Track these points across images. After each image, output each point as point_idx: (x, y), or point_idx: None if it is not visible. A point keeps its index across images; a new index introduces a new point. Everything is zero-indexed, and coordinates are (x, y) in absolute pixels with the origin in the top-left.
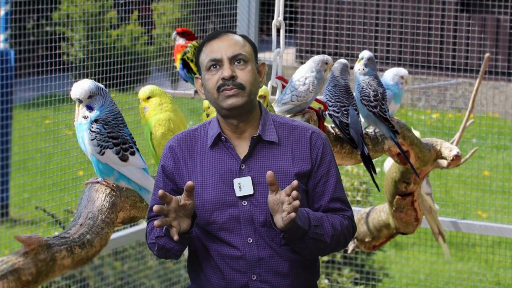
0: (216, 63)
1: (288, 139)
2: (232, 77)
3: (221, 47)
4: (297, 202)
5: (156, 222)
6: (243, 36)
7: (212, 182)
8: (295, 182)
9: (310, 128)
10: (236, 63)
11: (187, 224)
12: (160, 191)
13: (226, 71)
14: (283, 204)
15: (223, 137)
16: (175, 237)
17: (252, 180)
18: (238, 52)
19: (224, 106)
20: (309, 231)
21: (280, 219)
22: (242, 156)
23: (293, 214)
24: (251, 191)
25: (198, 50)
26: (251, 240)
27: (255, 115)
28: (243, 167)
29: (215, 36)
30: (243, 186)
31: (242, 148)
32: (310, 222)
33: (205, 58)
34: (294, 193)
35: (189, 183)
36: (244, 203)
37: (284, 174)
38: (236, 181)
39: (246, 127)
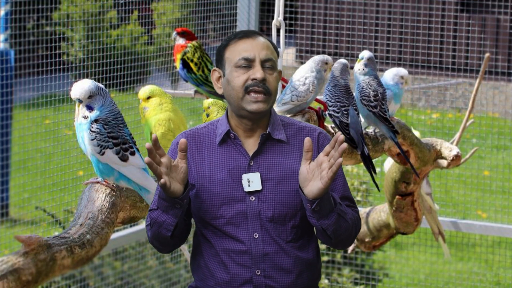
0: (248, 63)
1: (295, 139)
2: (263, 80)
3: (255, 48)
4: (341, 159)
5: (146, 159)
6: (271, 42)
7: (220, 177)
8: (341, 136)
9: (317, 129)
10: (266, 68)
11: (179, 188)
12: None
13: (259, 73)
14: (323, 164)
15: (232, 134)
16: (163, 180)
17: (260, 176)
18: (270, 56)
19: (248, 109)
20: (335, 207)
21: (317, 183)
22: (250, 153)
23: (334, 168)
24: (259, 187)
25: (224, 45)
26: (257, 235)
27: (265, 115)
28: (251, 163)
29: (248, 35)
30: (252, 181)
31: (251, 145)
32: (335, 199)
33: (235, 55)
34: (343, 146)
35: (182, 140)
36: (252, 198)
37: (292, 172)
38: (245, 176)
39: (257, 127)
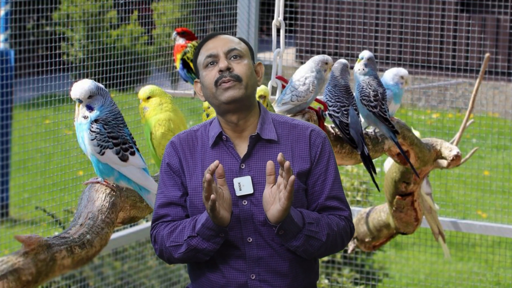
0: (213, 59)
1: (287, 138)
2: (228, 69)
3: (217, 44)
4: (293, 177)
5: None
6: (239, 38)
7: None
8: (287, 163)
9: (310, 126)
10: (232, 58)
11: (227, 216)
12: (216, 162)
13: (222, 63)
14: (280, 186)
15: (224, 137)
16: (212, 196)
17: (252, 179)
18: (234, 47)
19: (222, 100)
20: (303, 228)
21: (276, 206)
22: (242, 156)
23: (289, 187)
24: (251, 191)
25: (195, 54)
26: (251, 240)
27: (254, 113)
28: (243, 167)
29: (210, 37)
30: (243, 185)
31: (243, 147)
32: (304, 219)
33: (202, 57)
34: (291, 178)
35: (220, 166)
36: (244, 202)
37: None
38: (236, 181)
39: (245, 125)
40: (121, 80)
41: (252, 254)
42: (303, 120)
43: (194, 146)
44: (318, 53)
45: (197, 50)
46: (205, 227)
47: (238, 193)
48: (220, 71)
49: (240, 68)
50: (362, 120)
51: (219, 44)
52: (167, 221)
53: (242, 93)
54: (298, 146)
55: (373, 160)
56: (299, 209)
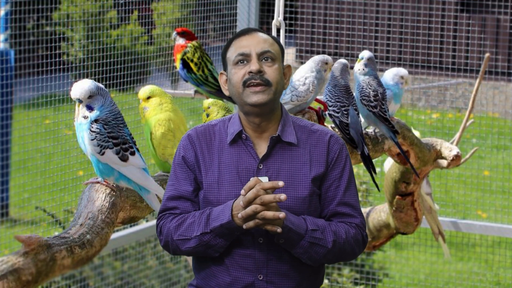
0: (244, 58)
1: (306, 142)
2: (260, 72)
3: (251, 43)
4: (270, 213)
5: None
6: (273, 37)
7: (229, 178)
8: (283, 197)
9: (329, 132)
10: (264, 60)
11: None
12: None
13: (253, 65)
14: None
15: (243, 135)
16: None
17: (269, 180)
18: (267, 49)
19: (248, 102)
20: (306, 235)
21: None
22: (260, 156)
23: (260, 222)
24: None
25: (225, 46)
26: (262, 240)
27: (276, 115)
28: (261, 167)
29: (245, 32)
30: None
31: (262, 147)
32: (307, 226)
33: (233, 53)
34: (268, 214)
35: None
36: None
37: (301, 177)
38: None
39: (267, 127)
40: (121, 80)
41: (262, 254)
42: (322, 126)
43: (212, 140)
44: (318, 53)
45: (228, 43)
46: (225, 227)
47: None
48: (250, 72)
49: (271, 72)
50: (362, 120)
51: (253, 43)
52: (175, 213)
53: (269, 98)
54: (316, 151)
55: (373, 160)
56: (304, 216)
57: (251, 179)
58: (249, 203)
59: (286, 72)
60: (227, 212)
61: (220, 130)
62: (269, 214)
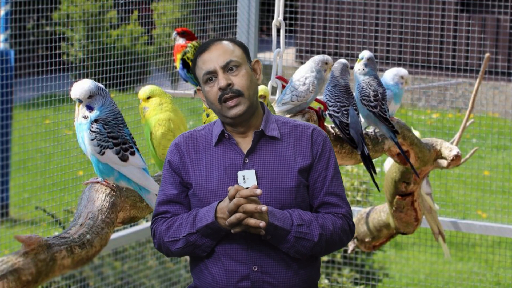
0: (211, 75)
1: (290, 136)
2: (229, 85)
3: (212, 58)
4: (253, 221)
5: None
6: (231, 40)
7: (216, 175)
8: (264, 208)
9: (311, 126)
10: (229, 71)
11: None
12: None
13: (221, 81)
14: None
15: (226, 134)
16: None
17: (255, 173)
18: (229, 59)
19: (228, 116)
20: (291, 230)
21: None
22: (245, 151)
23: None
24: (254, 183)
25: (193, 64)
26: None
27: (257, 115)
28: (246, 161)
29: (205, 48)
30: (247, 178)
31: (246, 144)
32: (292, 221)
33: (200, 72)
34: (251, 221)
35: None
36: None
37: (287, 169)
38: (240, 174)
39: (249, 127)
40: (121, 80)
41: (255, 246)
42: (305, 122)
43: (198, 143)
44: (318, 53)
45: (193, 61)
46: (209, 227)
47: (243, 186)
48: (220, 88)
49: (239, 80)
50: (362, 120)
51: (214, 57)
52: (166, 217)
53: (246, 107)
54: (300, 144)
55: (373, 160)
56: (290, 210)
57: (230, 188)
58: (232, 212)
59: (255, 68)
60: (211, 213)
61: (206, 134)
62: (252, 221)
